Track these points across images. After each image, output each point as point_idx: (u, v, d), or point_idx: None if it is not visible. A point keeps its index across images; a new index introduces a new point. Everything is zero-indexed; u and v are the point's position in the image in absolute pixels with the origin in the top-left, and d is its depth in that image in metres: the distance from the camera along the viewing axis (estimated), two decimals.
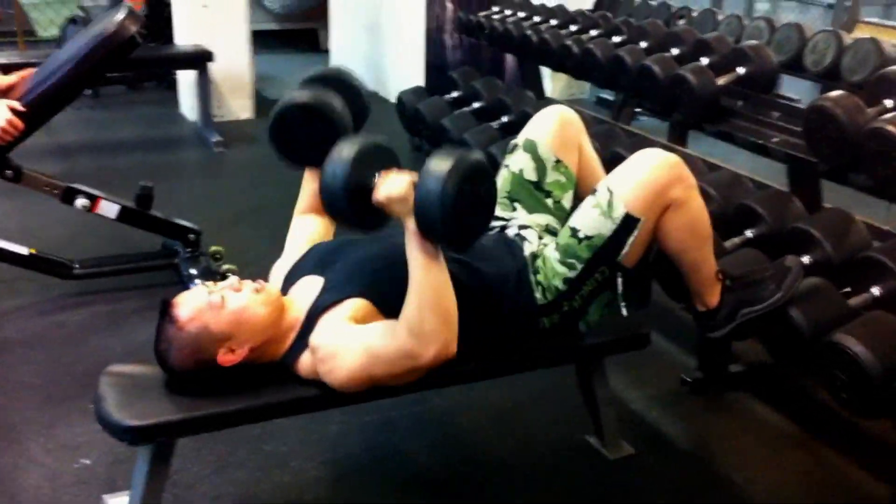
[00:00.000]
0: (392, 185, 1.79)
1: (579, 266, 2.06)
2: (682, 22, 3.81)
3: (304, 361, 1.95)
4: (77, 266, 3.25)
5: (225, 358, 1.91)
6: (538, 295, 2.09)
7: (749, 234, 2.63)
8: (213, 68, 5.23)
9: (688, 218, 2.06)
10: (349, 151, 1.81)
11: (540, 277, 2.10)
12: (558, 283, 2.08)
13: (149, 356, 1.98)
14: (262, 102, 5.88)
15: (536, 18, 3.87)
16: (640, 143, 3.18)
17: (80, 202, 3.19)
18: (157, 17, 6.22)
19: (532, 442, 2.60)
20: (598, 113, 4.16)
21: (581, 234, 2.05)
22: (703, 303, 2.21)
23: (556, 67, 3.61)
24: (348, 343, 1.89)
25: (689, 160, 2.97)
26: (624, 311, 2.12)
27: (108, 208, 3.25)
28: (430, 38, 5.33)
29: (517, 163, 2.32)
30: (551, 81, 5.55)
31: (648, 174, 2.02)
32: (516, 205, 2.31)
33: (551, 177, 2.30)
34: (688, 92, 2.94)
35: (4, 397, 2.67)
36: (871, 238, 2.47)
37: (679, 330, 3.05)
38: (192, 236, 3.36)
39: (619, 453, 2.50)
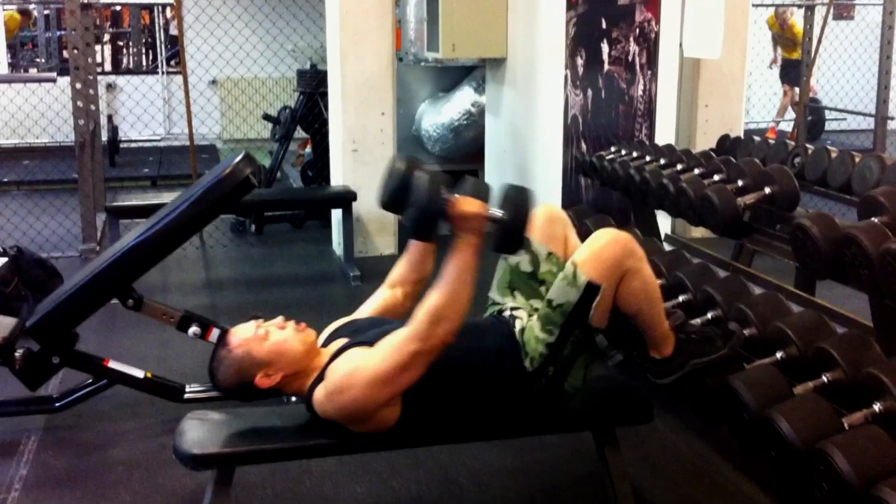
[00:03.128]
0: (471, 204, 2.22)
1: (556, 331, 2.41)
2: (797, 160, 3.73)
3: (319, 394, 2.34)
4: (187, 390, 3.46)
5: (262, 381, 2.36)
6: (527, 364, 2.42)
7: (825, 378, 2.50)
8: (361, 207, 5.53)
9: (641, 283, 2.43)
10: (423, 178, 2.29)
11: (527, 348, 2.43)
12: (541, 348, 2.42)
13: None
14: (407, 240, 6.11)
15: (647, 158, 3.88)
16: (734, 281, 3.11)
17: (193, 330, 3.41)
18: (320, 159, 6.69)
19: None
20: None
21: (554, 303, 2.41)
22: (659, 352, 2.56)
23: (658, 206, 3.60)
24: (363, 355, 2.30)
25: (777, 298, 2.91)
26: (618, 357, 2.54)
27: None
28: (566, 179, 5.42)
29: (514, 256, 2.67)
30: None
31: (604, 248, 2.40)
32: (515, 293, 2.66)
33: (544, 267, 2.65)
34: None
35: None
36: None
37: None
38: None
39: None
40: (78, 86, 5.74)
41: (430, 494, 2.95)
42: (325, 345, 2.54)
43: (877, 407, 2.27)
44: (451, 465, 3.07)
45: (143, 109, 8.68)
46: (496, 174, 6.98)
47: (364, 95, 5.57)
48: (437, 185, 2.26)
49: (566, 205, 5.39)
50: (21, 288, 4.52)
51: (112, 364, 3.38)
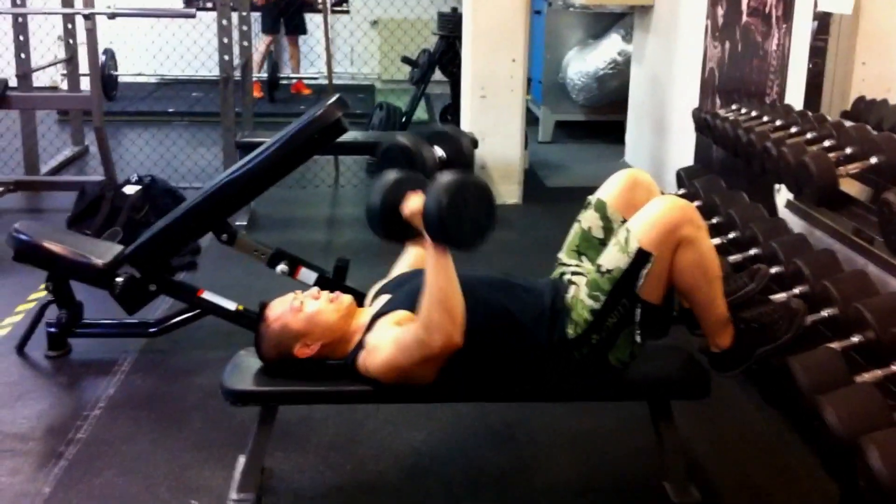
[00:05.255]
0: (413, 203, 2.28)
1: (603, 298, 2.30)
2: None
3: (361, 358, 2.38)
4: None
5: (301, 351, 2.43)
6: (570, 330, 2.35)
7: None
8: (485, 154, 5.49)
9: (697, 255, 2.27)
10: (386, 179, 2.39)
11: (573, 314, 2.36)
12: (586, 314, 2.33)
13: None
14: (538, 190, 6.03)
15: (765, 118, 3.65)
16: (827, 256, 2.91)
17: (281, 268, 3.50)
18: (452, 106, 6.67)
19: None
20: None
21: (603, 269, 2.31)
22: (717, 344, 2.42)
23: (760, 170, 3.38)
24: (386, 337, 2.32)
25: (866, 277, 2.69)
26: (637, 339, 2.33)
27: (307, 275, 3.53)
28: (699, 136, 5.17)
29: (587, 220, 2.59)
30: None
31: (661, 214, 2.26)
32: (583, 257, 2.56)
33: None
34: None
35: (164, 436, 3.00)
36: None
37: None
38: None
39: (685, 499, 2.53)
40: (224, 22, 5.91)
41: (485, 449, 2.92)
42: (372, 303, 2.56)
43: None
44: (514, 423, 3.04)
45: (309, 48, 8.87)
46: (635, 127, 6.78)
47: (494, 40, 5.48)
48: (392, 186, 2.31)
49: (696, 162, 5.18)
50: (151, 215, 4.76)
51: (205, 295, 3.50)
